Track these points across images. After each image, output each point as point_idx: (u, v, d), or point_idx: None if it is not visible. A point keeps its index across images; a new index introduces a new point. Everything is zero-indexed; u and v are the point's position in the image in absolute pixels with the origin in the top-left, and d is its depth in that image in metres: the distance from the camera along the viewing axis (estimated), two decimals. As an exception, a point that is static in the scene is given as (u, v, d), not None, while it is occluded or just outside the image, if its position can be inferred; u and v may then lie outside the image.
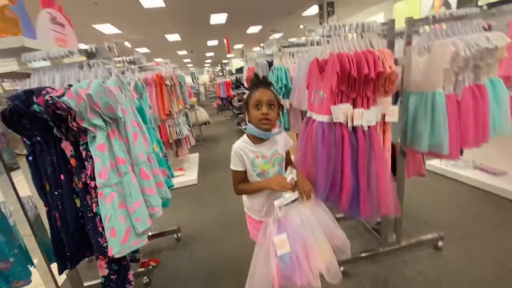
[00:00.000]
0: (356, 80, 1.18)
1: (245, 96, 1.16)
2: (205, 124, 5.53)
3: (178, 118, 3.26)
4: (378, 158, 1.25)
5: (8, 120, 0.93)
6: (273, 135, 1.14)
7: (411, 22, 1.37)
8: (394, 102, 1.39)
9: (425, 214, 2.18)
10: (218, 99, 9.54)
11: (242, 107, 1.20)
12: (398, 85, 1.40)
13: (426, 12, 7.61)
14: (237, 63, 15.12)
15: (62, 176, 1.03)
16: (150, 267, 1.90)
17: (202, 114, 5.27)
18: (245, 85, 4.33)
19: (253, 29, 9.85)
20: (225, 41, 9.46)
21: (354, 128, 1.25)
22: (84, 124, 0.95)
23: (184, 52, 13.28)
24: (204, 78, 21.87)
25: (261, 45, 7.94)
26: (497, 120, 1.39)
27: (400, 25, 1.49)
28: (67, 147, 1.02)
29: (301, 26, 10.41)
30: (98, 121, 0.97)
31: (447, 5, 7.15)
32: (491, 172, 2.49)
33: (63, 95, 0.91)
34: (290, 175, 1.08)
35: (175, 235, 2.27)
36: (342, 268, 1.64)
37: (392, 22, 1.37)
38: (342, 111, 1.21)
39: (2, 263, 1.08)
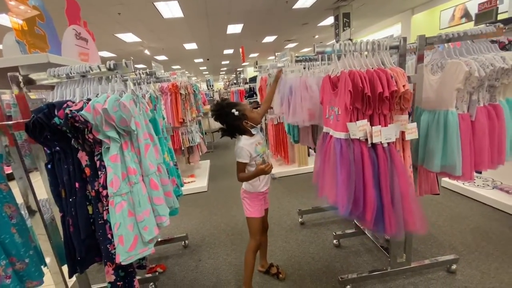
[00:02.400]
0: (371, 98, 1.17)
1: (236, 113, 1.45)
2: (218, 131, 5.62)
3: (191, 126, 3.34)
4: (401, 175, 1.22)
5: (31, 131, 1.00)
6: (257, 128, 1.54)
7: (423, 40, 1.36)
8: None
9: (439, 234, 2.10)
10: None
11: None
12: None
13: (445, 24, 7.45)
14: (251, 71, 15.32)
15: (77, 184, 1.08)
16: (157, 273, 1.93)
17: (214, 121, 5.36)
18: (258, 94, 4.39)
19: (268, 39, 9.99)
20: (240, 50, 9.64)
21: (374, 145, 1.24)
22: (99, 136, 1.01)
23: (200, 60, 13.63)
24: (219, 85, 22.26)
25: (276, 54, 8.03)
26: (514, 142, 1.34)
27: (415, 38, 1.47)
28: (83, 157, 1.07)
29: (316, 36, 10.45)
30: (112, 133, 1.02)
31: (467, 16, 6.97)
32: (511, 192, 2.37)
33: (81, 109, 0.97)
34: (263, 157, 1.49)
35: (183, 242, 2.30)
36: (348, 287, 1.61)
37: (404, 40, 1.36)
38: (359, 128, 1.19)
39: (18, 264, 1.14)
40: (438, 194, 1.72)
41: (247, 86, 7.20)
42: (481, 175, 2.75)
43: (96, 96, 1.07)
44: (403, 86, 1.14)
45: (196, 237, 2.44)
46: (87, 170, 1.07)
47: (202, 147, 3.81)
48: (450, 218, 2.31)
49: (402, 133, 1.27)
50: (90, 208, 1.11)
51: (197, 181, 3.68)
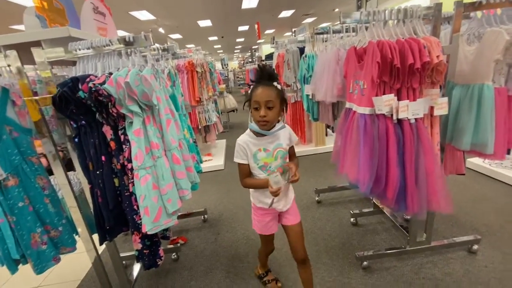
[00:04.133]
0: (400, 70, 1.10)
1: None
2: (233, 111, 5.60)
3: (207, 105, 3.34)
4: (427, 152, 1.17)
5: (58, 104, 1.03)
6: (273, 133, 1.14)
7: (461, 6, 1.24)
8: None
9: (461, 214, 2.05)
10: (247, 86, 9.54)
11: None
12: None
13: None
14: (267, 49, 14.87)
15: (103, 157, 1.12)
16: (179, 244, 2.03)
17: (230, 101, 5.33)
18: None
19: (285, 13, 9.54)
20: (255, 26, 9.30)
21: (400, 121, 1.18)
22: (123, 110, 1.02)
23: (215, 38, 13.35)
24: (234, 64, 21.89)
25: (293, 30, 7.69)
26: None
27: (447, 9, 1.35)
28: (108, 131, 1.10)
29: (336, 10, 9.86)
30: (135, 108, 1.03)
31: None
32: (544, 174, 2.24)
33: (104, 82, 0.98)
34: (274, 178, 1.07)
35: (202, 216, 2.39)
36: (365, 263, 1.62)
37: (438, 5, 1.25)
38: (385, 103, 1.13)
39: (53, 231, 1.22)
40: (464, 174, 1.65)
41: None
42: (509, 155, 2.60)
43: (117, 70, 1.07)
44: (437, 57, 1.06)
45: (214, 212, 2.52)
46: (112, 144, 1.10)
47: (218, 126, 3.82)
48: (473, 199, 2.24)
49: (431, 108, 1.20)
50: (116, 181, 1.15)
51: (214, 160, 3.74)
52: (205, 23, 9.45)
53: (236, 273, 1.73)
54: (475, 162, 2.66)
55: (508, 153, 2.73)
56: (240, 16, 9.04)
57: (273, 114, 1.08)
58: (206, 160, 3.64)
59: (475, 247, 1.66)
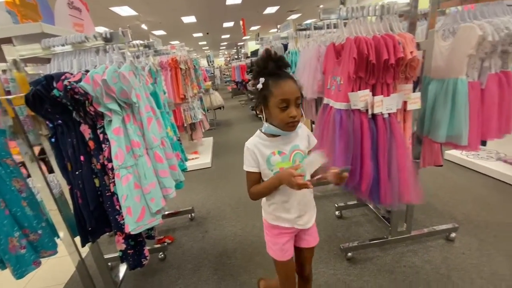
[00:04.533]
0: (375, 66, 1.13)
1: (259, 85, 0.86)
2: (220, 108, 5.56)
3: (192, 103, 3.30)
4: (399, 147, 1.22)
5: (32, 103, 0.99)
6: (290, 134, 0.93)
7: (436, 2, 1.28)
8: (413, 89, 1.33)
9: (439, 204, 2.14)
10: (233, 83, 9.49)
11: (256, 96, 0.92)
12: (418, 71, 1.33)
13: (458, -11, 6.99)
14: (252, 45, 14.81)
15: (82, 157, 1.09)
16: (165, 243, 2.01)
17: (216, 98, 5.29)
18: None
19: (270, 10, 9.52)
20: (241, 22, 9.23)
21: (374, 116, 1.22)
22: (101, 109, 1.00)
23: (200, 34, 13.15)
24: (220, 61, 21.69)
25: (278, 26, 7.69)
26: (523, 110, 1.31)
27: (424, 6, 1.39)
28: (86, 130, 1.07)
29: (321, 6, 9.93)
30: (114, 106, 1.01)
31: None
32: (516, 164, 2.37)
33: (80, 80, 0.95)
34: (307, 160, 0.89)
35: (189, 215, 2.37)
36: (349, 254, 1.67)
37: (415, 2, 1.28)
38: (361, 98, 1.17)
39: (32, 235, 1.18)
40: (441, 165, 1.72)
41: (248, 60, 6.99)
42: (485, 147, 2.73)
43: (95, 68, 1.04)
44: (411, 52, 1.09)
45: (201, 210, 2.51)
46: (91, 143, 1.08)
47: (204, 124, 3.79)
48: (451, 189, 2.34)
49: (405, 103, 1.24)
50: (97, 181, 1.13)
51: (201, 158, 3.71)
52: (189, 19, 9.29)
53: (224, 270, 1.74)
54: (453, 154, 2.78)
55: (484, 144, 2.86)
56: (225, 12, 8.95)
57: (300, 112, 0.89)
58: (192, 159, 3.61)
59: (453, 235, 1.74)
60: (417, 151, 1.52)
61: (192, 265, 1.81)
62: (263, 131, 0.95)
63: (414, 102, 1.24)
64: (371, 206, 2.13)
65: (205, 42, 16.84)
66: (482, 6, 1.31)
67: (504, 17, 1.24)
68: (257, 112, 0.96)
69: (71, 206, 1.20)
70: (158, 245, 1.95)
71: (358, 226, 2.00)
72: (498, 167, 2.40)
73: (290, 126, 0.88)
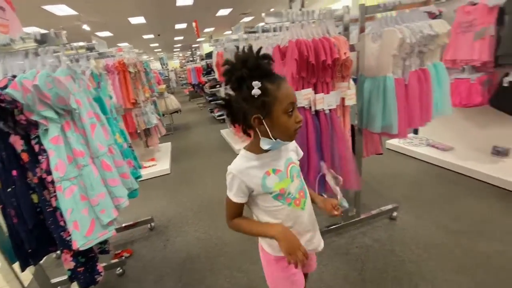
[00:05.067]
0: (315, 66, 1.24)
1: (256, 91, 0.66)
2: (176, 112, 5.39)
3: (145, 107, 3.16)
4: (340, 139, 1.35)
5: None
6: (282, 144, 0.78)
7: (364, 9, 1.44)
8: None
9: (383, 189, 2.39)
10: (190, 86, 9.28)
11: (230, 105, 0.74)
12: (352, 70, 1.49)
13: (390, -4, 7.84)
14: (207, 47, 14.64)
15: (14, 172, 0.99)
16: (123, 257, 1.90)
17: (172, 102, 5.12)
18: (215, 70, 4.26)
19: (223, 12, 9.53)
20: (193, 24, 9.07)
21: (317, 112, 1.33)
22: (34, 117, 0.91)
23: (151, 36, 12.57)
24: (174, 63, 20.99)
25: (232, 28, 7.75)
26: (439, 101, 1.54)
27: (355, 12, 1.56)
28: (17, 142, 0.97)
29: (272, 10, 10.26)
30: (50, 113, 0.93)
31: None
32: (441, 148, 2.76)
33: (6, 87, 0.86)
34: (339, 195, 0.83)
35: (149, 225, 2.27)
36: (308, 243, 1.77)
37: (345, 8, 1.43)
38: (304, 96, 1.27)
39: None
40: (382, 154, 1.94)
41: (204, 62, 6.90)
42: (417, 135, 3.13)
43: (24, 73, 0.95)
44: (344, 53, 1.22)
45: (162, 219, 2.42)
46: (24, 156, 0.98)
47: (160, 129, 3.65)
48: (392, 174, 2.63)
49: (343, 99, 1.38)
50: (35, 197, 1.03)
51: (159, 165, 3.56)
52: (137, 20, 8.81)
53: (188, 276, 1.71)
54: (392, 143, 3.12)
55: (416, 133, 3.25)
56: (176, 13, 8.70)
57: None
58: (149, 166, 3.45)
59: (395, 214, 1.97)
60: (360, 142, 1.68)
61: (154, 276, 1.74)
62: (246, 149, 0.80)
63: (350, 98, 1.39)
64: (325, 196, 2.28)
65: (157, 44, 16.14)
66: (402, 13, 1.52)
67: (419, 22, 1.45)
68: (245, 127, 0.76)
69: (5, 228, 1.07)
70: (116, 260, 1.83)
71: (316, 215, 2.13)
72: (428, 152, 2.77)
73: (296, 132, 0.75)
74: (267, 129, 0.71)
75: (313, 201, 0.88)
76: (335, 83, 1.33)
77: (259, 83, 0.65)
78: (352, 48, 1.43)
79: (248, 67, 0.66)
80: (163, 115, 4.76)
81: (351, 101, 1.38)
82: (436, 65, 1.53)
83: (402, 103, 1.47)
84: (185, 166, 3.66)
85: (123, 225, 2.20)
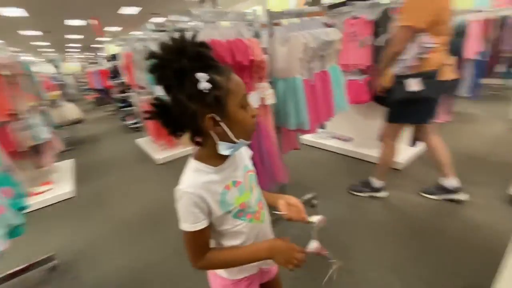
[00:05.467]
0: (232, 67, 1.23)
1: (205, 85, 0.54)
2: (78, 122, 4.58)
3: (31, 118, 2.54)
4: (266, 137, 1.38)
5: None
6: (240, 145, 0.65)
7: (270, 15, 1.53)
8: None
9: (303, 180, 2.62)
10: (93, 91, 8.05)
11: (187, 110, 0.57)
12: (266, 71, 1.56)
13: (293, 6, 8.76)
14: (114, 48, 13.10)
15: None
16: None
17: (70, 110, 4.32)
18: (121, 73, 3.82)
19: (129, 10, 8.68)
20: (90, 21, 7.92)
21: None
22: None
23: (36, 33, 10.36)
24: (72, 66, 17.91)
25: (142, 27, 7.11)
26: (338, 99, 1.78)
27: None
28: None
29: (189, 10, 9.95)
30: None
31: (308, 3, 8.45)
32: (343, 139, 3.22)
33: None
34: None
35: (48, 264, 1.82)
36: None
37: (255, 13, 1.49)
38: None
39: None
40: (299, 149, 2.11)
41: (110, 65, 6.07)
42: (325, 130, 3.57)
43: None
44: (258, 55, 1.26)
45: (68, 252, 1.98)
46: None
47: (55, 144, 3.01)
48: (309, 166, 2.92)
49: (263, 99, 1.44)
50: None
51: (57, 188, 2.92)
52: (14, 12, 7.11)
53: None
54: (307, 138, 3.46)
55: (322, 127, 3.66)
56: (67, 8, 7.43)
57: None
58: (44, 191, 2.80)
59: (315, 201, 2.18)
60: (279, 139, 1.78)
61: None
62: (197, 159, 0.66)
63: (269, 97, 1.45)
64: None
65: (49, 43, 13.46)
66: (304, 20, 1.68)
67: (318, 30, 1.64)
68: (194, 133, 0.63)
69: None
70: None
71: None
72: (334, 143, 3.20)
73: (254, 129, 0.66)
74: (226, 129, 0.59)
75: (269, 204, 0.79)
76: (254, 83, 1.36)
77: (206, 75, 0.54)
78: (264, 51, 1.49)
79: (188, 57, 0.53)
80: (61, 127, 3.96)
81: (270, 100, 1.45)
82: (334, 68, 1.76)
83: (311, 102, 1.63)
84: (94, 185, 3.13)
85: (10, 271, 1.71)
